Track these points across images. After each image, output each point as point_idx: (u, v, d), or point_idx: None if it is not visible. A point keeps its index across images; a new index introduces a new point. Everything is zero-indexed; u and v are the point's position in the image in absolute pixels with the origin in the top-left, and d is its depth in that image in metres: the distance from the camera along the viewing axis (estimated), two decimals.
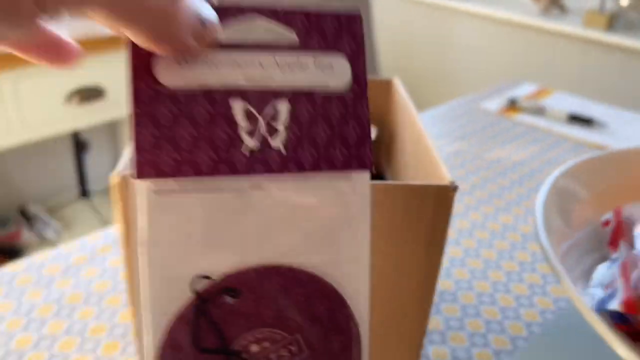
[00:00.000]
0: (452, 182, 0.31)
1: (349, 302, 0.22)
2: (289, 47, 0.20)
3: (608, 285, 0.35)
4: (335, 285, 0.22)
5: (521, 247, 0.59)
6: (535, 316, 0.49)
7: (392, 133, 0.48)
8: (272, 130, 0.21)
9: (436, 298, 0.51)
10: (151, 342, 0.20)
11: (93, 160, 1.87)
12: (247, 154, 0.20)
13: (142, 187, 0.19)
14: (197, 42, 0.18)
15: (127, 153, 0.24)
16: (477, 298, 0.51)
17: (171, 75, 0.19)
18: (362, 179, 0.21)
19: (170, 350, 0.20)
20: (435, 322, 0.48)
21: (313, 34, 0.21)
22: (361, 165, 0.21)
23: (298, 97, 0.21)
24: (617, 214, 0.41)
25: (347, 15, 0.21)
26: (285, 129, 0.21)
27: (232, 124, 0.20)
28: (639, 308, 0.32)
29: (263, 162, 0.20)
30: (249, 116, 0.20)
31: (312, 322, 0.22)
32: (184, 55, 0.18)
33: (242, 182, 0.20)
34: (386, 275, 0.34)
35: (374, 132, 0.45)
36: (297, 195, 0.21)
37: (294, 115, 0.21)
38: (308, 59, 0.21)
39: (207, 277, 0.20)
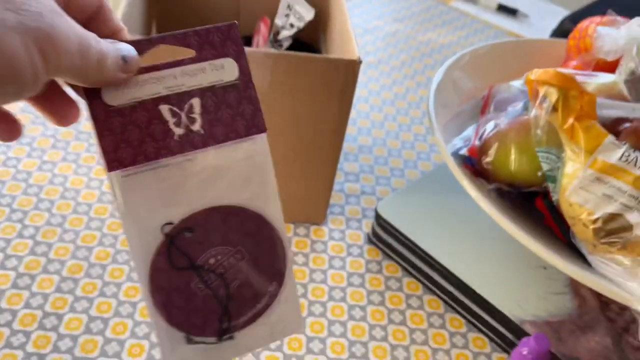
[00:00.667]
0: (358, 58, 0.43)
1: (267, 218, 0.32)
2: (190, 60, 0.30)
3: (467, 139, 0.49)
4: (256, 209, 0.32)
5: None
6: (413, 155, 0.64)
7: (327, 14, 0.58)
8: (192, 120, 0.30)
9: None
10: (144, 274, 0.30)
11: None
12: (177, 139, 0.29)
13: (113, 176, 0.28)
14: (124, 74, 0.27)
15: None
16: (372, 141, 0.66)
17: (114, 98, 0.28)
18: (261, 138, 0.31)
19: (157, 274, 0.31)
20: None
21: (205, 46, 0.30)
22: (258, 129, 0.31)
23: (204, 93, 0.30)
24: (490, 88, 0.54)
25: (227, 26, 0.30)
26: (199, 116, 0.30)
27: (163, 121, 0.29)
28: (478, 153, 0.46)
29: (189, 142, 0.30)
30: (174, 113, 0.30)
31: (246, 236, 0.32)
32: (118, 84, 0.28)
33: (178, 158, 0.30)
34: (309, 122, 0.47)
35: (311, 13, 0.55)
36: (217, 158, 0.31)
37: (204, 106, 0.30)
38: (205, 65, 0.30)
39: (170, 224, 0.30)
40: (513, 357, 0.40)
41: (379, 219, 0.52)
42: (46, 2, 0.22)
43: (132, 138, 0.29)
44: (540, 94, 0.43)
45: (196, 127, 0.30)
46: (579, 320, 0.45)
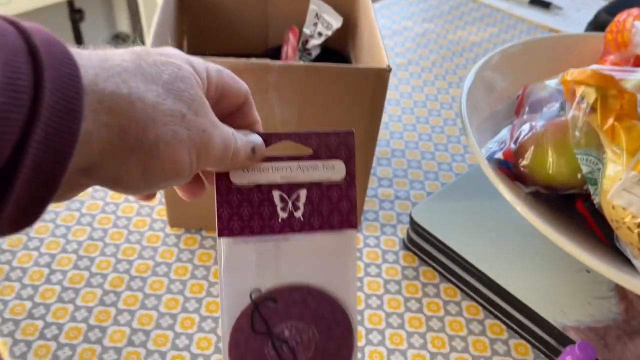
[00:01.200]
0: (388, 66, 0.43)
1: (343, 305, 0.36)
2: (307, 157, 0.34)
3: (502, 142, 0.48)
4: (333, 295, 0.36)
5: None
6: (447, 157, 0.63)
7: (355, 20, 0.58)
8: (296, 207, 0.35)
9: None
10: (227, 329, 0.34)
11: (89, 30, 1.91)
12: (280, 221, 0.34)
13: (222, 241, 0.33)
14: (250, 162, 0.31)
15: None
16: (405, 144, 0.65)
17: (238, 178, 0.33)
18: (350, 233, 0.35)
19: (238, 333, 0.35)
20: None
21: (322, 147, 0.34)
22: (350, 225, 0.35)
23: (312, 187, 0.34)
24: (524, 88, 0.53)
25: (345, 133, 0.35)
26: (303, 205, 0.35)
27: (273, 204, 0.34)
28: (514, 156, 0.45)
29: (290, 226, 0.34)
30: (282, 199, 0.34)
31: (321, 318, 0.36)
32: (244, 168, 0.32)
33: (278, 237, 0.34)
34: (342, 123, 0.47)
35: (339, 21, 0.55)
36: (309, 244, 0.35)
37: (309, 198, 0.35)
38: (318, 163, 0.34)
39: (258, 290, 0.35)
40: None
41: (413, 224, 0.51)
42: (209, 117, 0.27)
43: (244, 213, 0.34)
44: (578, 95, 0.42)
45: (298, 214, 0.35)
46: (625, 325, 0.44)
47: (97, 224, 0.53)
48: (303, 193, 0.35)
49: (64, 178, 0.20)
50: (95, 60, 0.23)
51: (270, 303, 0.35)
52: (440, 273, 0.52)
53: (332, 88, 0.44)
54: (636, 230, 0.38)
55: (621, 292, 0.46)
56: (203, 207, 0.51)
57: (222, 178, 0.33)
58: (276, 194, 0.34)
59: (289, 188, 0.34)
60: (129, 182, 0.25)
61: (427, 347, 0.46)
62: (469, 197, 0.54)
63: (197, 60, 0.28)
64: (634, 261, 0.39)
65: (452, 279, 0.51)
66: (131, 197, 0.56)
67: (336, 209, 0.35)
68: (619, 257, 0.40)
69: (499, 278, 0.46)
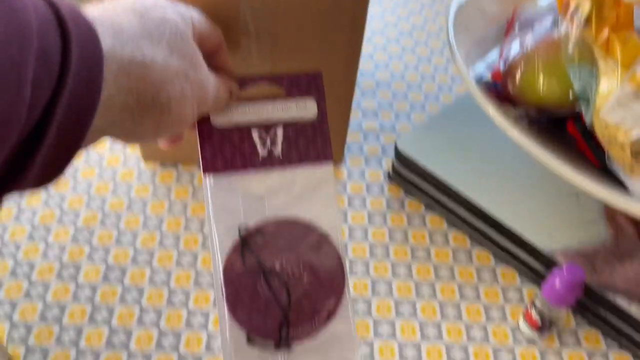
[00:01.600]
0: None
1: (330, 237, 0.37)
2: (281, 97, 0.36)
3: (490, 64, 0.45)
4: (319, 226, 0.37)
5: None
6: (433, 88, 0.61)
7: None
8: (274, 144, 0.37)
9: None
10: (219, 264, 0.35)
11: None
12: (261, 158, 0.36)
13: (207, 178, 0.35)
14: (228, 104, 0.34)
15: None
16: (391, 75, 0.62)
17: (218, 120, 0.35)
18: (327, 165, 0.37)
19: (230, 268, 0.36)
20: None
21: (293, 88, 0.36)
22: (326, 158, 0.37)
23: (287, 125, 0.37)
24: (514, 9, 0.50)
25: (314, 74, 0.37)
26: (281, 143, 0.37)
27: (252, 142, 0.36)
28: (503, 77, 0.43)
29: (270, 162, 0.36)
30: (261, 138, 0.36)
31: (310, 250, 0.37)
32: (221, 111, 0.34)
33: (260, 173, 0.36)
34: (317, 54, 0.44)
35: None
36: (291, 177, 0.37)
37: (286, 135, 0.37)
38: (292, 103, 0.37)
39: (246, 225, 0.36)
40: (544, 289, 0.38)
41: (399, 155, 0.49)
42: (204, 69, 0.30)
43: (226, 152, 0.36)
44: (572, 6, 0.39)
45: (277, 150, 0.37)
46: (614, 249, 0.43)
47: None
48: (280, 131, 0.37)
49: (86, 137, 0.22)
50: (110, 28, 0.25)
51: (259, 238, 0.37)
52: (426, 203, 0.50)
53: (307, 6, 0.41)
54: (628, 148, 0.36)
55: (611, 216, 0.45)
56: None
57: (203, 121, 0.35)
58: (255, 133, 0.37)
59: (266, 127, 0.37)
60: (142, 136, 0.28)
61: (412, 276, 0.45)
62: (456, 126, 0.52)
63: (183, 9, 0.30)
64: (625, 180, 0.37)
65: (439, 208, 0.49)
66: None
67: (312, 143, 0.38)
68: (610, 180, 0.39)
69: (486, 205, 0.45)
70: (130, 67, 0.25)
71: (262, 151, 0.37)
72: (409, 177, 0.50)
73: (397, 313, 0.42)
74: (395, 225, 0.48)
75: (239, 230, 0.37)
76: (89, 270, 0.43)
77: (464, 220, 0.47)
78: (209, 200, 0.36)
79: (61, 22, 0.21)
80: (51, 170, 0.22)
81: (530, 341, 0.41)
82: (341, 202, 0.50)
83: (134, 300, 0.41)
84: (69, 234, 0.45)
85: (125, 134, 0.27)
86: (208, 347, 0.39)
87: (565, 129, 0.43)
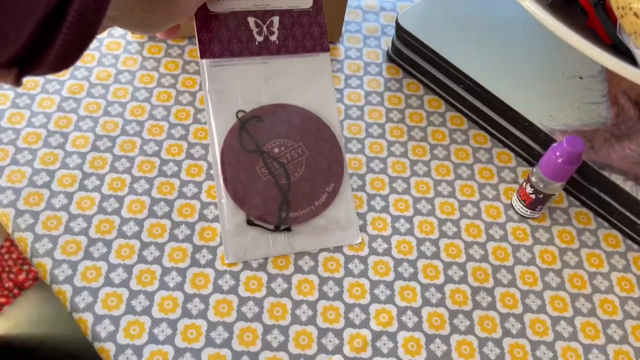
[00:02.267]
0: None
1: (327, 121, 0.38)
2: None
3: None
4: (317, 113, 0.38)
5: None
6: None
7: None
8: (271, 32, 0.38)
9: None
10: (216, 148, 0.37)
11: None
12: (257, 44, 0.37)
13: (204, 62, 0.36)
14: None
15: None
16: None
17: (214, 6, 0.36)
18: (324, 55, 0.39)
19: (228, 150, 0.37)
20: None
21: None
22: (323, 49, 0.39)
23: (283, 13, 0.38)
24: None
25: None
26: (277, 30, 0.38)
27: (249, 29, 0.37)
28: None
29: (266, 49, 0.37)
30: (257, 25, 0.37)
31: (307, 135, 0.37)
32: None
33: (256, 59, 0.37)
34: None
35: None
36: (287, 65, 0.38)
37: (282, 23, 0.38)
38: None
39: (243, 111, 0.37)
40: (541, 163, 0.38)
41: (400, 31, 0.47)
42: None
43: (223, 37, 0.37)
44: None
45: (273, 38, 0.38)
46: (614, 129, 0.42)
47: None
48: (276, 19, 0.38)
49: (101, 24, 0.22)
50: None
51: (256, 121, 0.37)
52: (425, 84, 0.49)
53: None
54: None
55: (614, 97, 0.44)
56: None
57: (201, 7, 0.36)
58: (251, 20, 0.37)
59: (263, 14, 0.37)
60: (151, 26, 0.29)
61: (407, 155, 0.44)
62: (459, 2, 0.49)
63: None
64: (636, 52, 0.36)
65: (437, 89, 0.48)
66: None
67: (308, 33, 0.38)
68: (620, 55, 0.37)
69: (486, 83, 0.44)
70: None
71: (258, 37, 0.37)
72: (409, 55, 0.48)
73: (391, 189, 0.42)
74: (393, 106, 0.47)
75: (237, 114, 0.37)
76: (77, 139, 0.42)
77: (462, 101, 0.46)
78: (207, 85, 0.37)
79: None
80: (68, 54, 0.22)
81: (522, 218, 0.42)
82: (338, 81, 0.48)
83: (125, 170, 0.41)
84: (55, 102, 0.44)
85: (136, 24, 0.28)
86: (201, 215, 0.39)
87: (577, 5, 0.41)
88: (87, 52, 0.47)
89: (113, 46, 0.48)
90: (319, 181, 0.38)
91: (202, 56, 0.36)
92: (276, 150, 0.37)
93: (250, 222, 0.37)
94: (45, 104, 0.43)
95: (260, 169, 0.37)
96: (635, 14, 0.35)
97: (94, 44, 0.48)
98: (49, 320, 0.67)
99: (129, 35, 0.49)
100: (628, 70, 0.34)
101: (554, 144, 0.37)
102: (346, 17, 0.53)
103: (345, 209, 0.38)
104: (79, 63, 0.46)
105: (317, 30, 0.38)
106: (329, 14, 0.48)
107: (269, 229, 0.37)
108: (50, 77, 0.45)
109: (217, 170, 0.37)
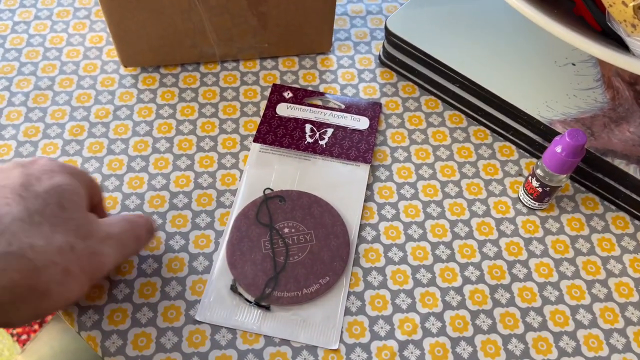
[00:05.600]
0: None
1: (345, 221, 0.40)
2: (339, 109, 0.46)
3: None
4: (338, 210, 0.40)
5: None
6: None
7: None
8: (322, 138, 0.44)
9: None
10: (233, 214, 0.40)
11: None
12: (306, 143, 0.43)
13: (255, 146, 0.44)
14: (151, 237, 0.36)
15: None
16: None
17: (282, 110, 0.45)
18: (364, 166, 0.43)
19: (243, 218, 0.40)
20: None
21: (353, 107, 0.46)
22: (364, 160, 0.43)
23: (338, 128, 0.45)
24: None
25: (374, 103, 0.47)
26: (328, 139, 0.44)
27: (303, 132, 0.44)
28: None
29: (313, 148, 0.43)
30: (312, 130, 0.44)
31: (321, 226, 0.39)
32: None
33: (301, 154, 0.43)
34: None
35: None
36: (327, 166, 0.43)
37: (334, 134, 0.44)
38: (347, 115, 0.46)
39: (271, 189, 0.41)
40: (545, 157, 0.38)
41: (389, 35, 0.47)
42: (95, 234, 0.30)
43: (278, 132, 0.44)
44: None
45: (322, 142, 0.43)
46: (612, 112, 0.43)
47: (41, 72, 0.48)
48: (330, 130, 0.44)
49: None
50: None
51: (279, 201, 0.40)
52: (420, 86, 0.49)
53: None
54: (631, 4, 0.34)
55: (608, 81, 0.44)
56: (156, 39, 0.46)
57: (270, 106, 0.45)
58: (308, 126, 0.44)
59: (320, 124, 0.44)
60: (18, 324, 0.27)
61: (411, 159, 0.45)
62: (446, 1, 0.49)
63: (74, 169, 0.31)
64: (627, 40, 0.36)
65: (433, 89, 0.48)
66: (75, 37, 0.51)
67: (355, 147, 0.43)
68: (609, 43, 0.37)
69: (482, 80, 0.44)
70: (6, 261, 0.24)
71: (309, 139, 0.43)
72: (401, 59, 0.48)
73: (399, 195, 0.43)
74: (391, 111, 0.48)
75: (264, 191, 0.41)
76: None
77: (459, 99, 0.47)
78: (249, 161, 0.43)
79: None
80: None
81: (531, 211, 0.42)
82: (334, 92, 0.48)
83: (136, 207, 0.41)
84: (58, 147, 0.44)
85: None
86: (191, 269, 0.40)
87: None
88: (83, 91, 0.47)
89: (107, 82, 0.48)
90: (316, 271, 0.37)
91: (255, 141, 0.43)
92: (286, 230, 0.39)
93: (233, 289, 0.37)
94: (49, 149, 0.44)
95: (265, 242, 0.38)
96: (624, 3, 0.35)
97: (88, 82, 0.48)
98: (72, 350, 0.68)
99: (122, 69, 0.49)
100: (617, 58, 0.34)
101: (556, 138, 0.38)
102: (334, 25, 0.53)
103: (333, 308, 0.37)
104: (76, 103, 0.46)
105: (365, 146, 0.44)
106: (317, 20, 0.48)
107: (248, 300, 0.36)
108: (48, 121, 0.45)
109: (226, 233, 0.39)
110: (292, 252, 0.38)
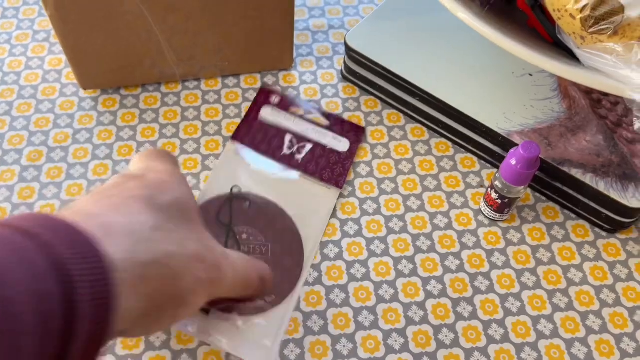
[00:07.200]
0: None
1: (305, 242, 0.39)
2: (324, 126, 0.45)
3: None
4: (299, 228, 0.39)
5: None
6: None
7: None
8: (299, 151, 0.43)
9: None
10: (199, 199, 0.40)
11: None
12: (282, 155, 0.43)
13: (231, 143, 0.43)
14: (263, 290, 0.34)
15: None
16: None
17: (267, 116, 0.45)
18: (335, 191, 0.42)
19: (204, 213, 0.37)
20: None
21: (337, 125, 0.46)
22: (336, 184, 0.43)
23: (317, 146, 0.44)
24: None
25: (359, 127, 0.46)
26: (306, 154, 0.43)
27: (282, 142, 0.43)
28: None
29: (288, 160, 0.42)
30: (291, 142, 0.43)
31: (280, 241, 0.38)
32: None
33: (274, 162, 0.43)
34: None
35: None
36: (298, 182, 0.42)
37: (312, 151, 0.43)
38: (330, 134, 0.45)
39: (239, 188, 0.40)
40: (502, 169, 0.39)
41: (349, 51, 0.47)
42: (217, 247, 0.30)
43: (258, 137, 0.44)
44: None
45: (298, 156, 0.43)
46: (568, 122, 0.43)
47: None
48: (309, 146, 0.43)
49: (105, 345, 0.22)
50: (120, 234, 0.24)
51: (244, 203, 0.39)
52: (382, 100, 0.49)
53: None
54: (579, 17, 0.35)
55: (564, 91, 0.45)
56: (115, 60, 0.46)
57: (255, 108, 0.45)
58: (288, 137, 0.43)
59: (300, 138, 0.44)
60: (156, 331, 0.28)
61: (373, 174, 0.45)
62: (406, 15, 0.50)
63: (184, 181, 0.31)
64: (577, 52, 0.37)
65: (395, 103, 0.48)
66: (34, 60, 0.50)
67: (330, 168, 0.43)
68: (562, 54, 0.38)
69: (440, 94, 0.44)
70: (147, 268, 0.24)
71: (286, 151, 0.43)
72: (362, 74, 0.48)
73: (362, 211, 0.43)
74: None
75: (232, 188, 0.39)
76: (43, 207, 0.42)
77: (420, 112, 0.47)
78: (222, 155, 0.42)
79: (60, 269, 0.20)
80: None
81: (492, 222, 0.43)
82: (296, 109, 0.48)
83: None
84: (15, 173, 0.43)
85: (145, 332, 0.27)
86: None
87: (517, 6, 0.42)
88: (42, 115, 0.47)
89: (67, 105, 0.47)
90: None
91: (234, 138, 0.43)
92: (244, 235, 0.38)
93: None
94: (6, 177, 0.43)
95: (219, 242, 0.36)
96: (572, 16, 0.35)
97: (46, 105, 0.47)
98: None
99: (81, 92, 0.48)
100: (565, 71, 0.35)
101: (511, 150, 0.38)
102: (296, 41, 0.53)
103: (272, 329, 0.35)
104: (34, 127, 0.46)
105: (340, 170, 0.43)
106: (277, 36, 0.48)
107: None
108: (6, 147, 0.45)
109: None
110: None
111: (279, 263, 0.38)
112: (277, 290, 0.37)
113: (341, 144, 0.44)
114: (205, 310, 0.35)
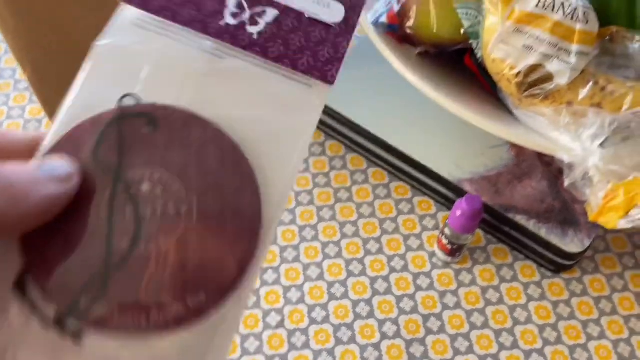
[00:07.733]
0: None
1: (263, 179, 0.21)
2: None
3: (388, 3, 0.46)
4: (252, 165, 0.21)
5: None
6: None
7: None
8: (254, 22, 0.22)
9: None
10: (57, 129, 0.21)
11: None
12: (223, 25, 0.22)
13: (126, 11, 0.21)
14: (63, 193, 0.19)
15: None
16: None
17: None
18: (319, 87, 0.22)
19: (70, 146, 0.20)
20: None
21: None
22: (322, 77, 0.22)
23: (288, 11, 0.23)
24: None
25: None
26: (265, 25, 0.22)
27: (223, 4, 0.22)
28: (399, 18, 0.43)
29: (233, 37, 0.22)
30: (239, 5, 0.22)
31: (216, 189, 0.20)
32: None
33: (208, 42, 0.22)
34: None
35: None
36: (252, 78, 0.22)
37: (278, 21, 0.22)
38: None
39: (134, 98, 0.21)
40: (450, 219, 0.42)
41: None
42: None
43: None
44: None
45: (253, 30, 0.22)
46: (516, 169, 0.46)
47: None
48: (272, 12, 0.23)
49: None
50: None
51: (145, 126, 0.21)
52: (346, 145, 0.52)
53: None
54: (514, 81, 0.38)
55: None
56: None
57: None
58: None
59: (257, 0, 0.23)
60: None
61: (336, 218, 0.48)
62: (365, 66, 0.53)
63: None
64: (515, 111, 0.40)
65: (357, 148, 0.51)
66: (15, 109, 0.53)
67: (311, 49, 0.23)
68: (503, 110, 0.41)
69: (398, 143, 0.47)
70: None
71: (229, 18, 0.22)
72: (327, 121, 0.51)
73: (324, 255, 0.46)
74: (318, 170, 0.51)
75: (122, 98, 0.21)
76: None
77: (381, 158, 0.50)
78: (106, 35, 0.22)
79: None
80: None
81: (446, 264, 0.46)
82: None
83: None
84: None
85: None
86: None
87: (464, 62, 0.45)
88: None
89: None
90: (185, 279, 0.19)
91: (128, 1, 0.22)
92: (145, 187, 0.20)
93: (19, 285, 0.19)
94: None
95: (99, 205, 0.20)
96: (508, 80, 0.39)
97: None
98: None
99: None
100: (503, 131, 0.38)
101: (457, 202, 0.41)
102: None
103: (215, 345, 0.19)
104: None
105: (329, 53, 0.23)
106: None
107: (43, 315, 0.19)
108: None
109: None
110: (148, 233, 0.20)
111: (214, 231, 0.20)
112: (209, 284, 0.19)
113: (330, 10, 0.24)
114: (75, 333, 0.18)
